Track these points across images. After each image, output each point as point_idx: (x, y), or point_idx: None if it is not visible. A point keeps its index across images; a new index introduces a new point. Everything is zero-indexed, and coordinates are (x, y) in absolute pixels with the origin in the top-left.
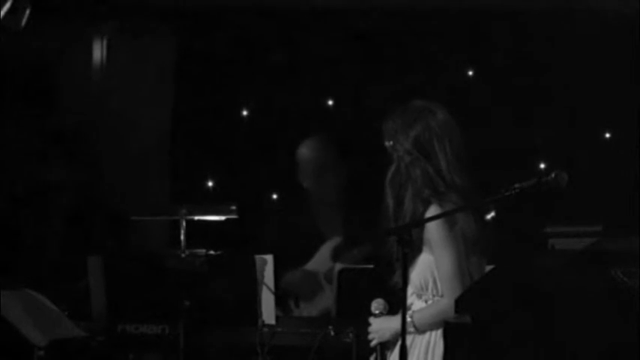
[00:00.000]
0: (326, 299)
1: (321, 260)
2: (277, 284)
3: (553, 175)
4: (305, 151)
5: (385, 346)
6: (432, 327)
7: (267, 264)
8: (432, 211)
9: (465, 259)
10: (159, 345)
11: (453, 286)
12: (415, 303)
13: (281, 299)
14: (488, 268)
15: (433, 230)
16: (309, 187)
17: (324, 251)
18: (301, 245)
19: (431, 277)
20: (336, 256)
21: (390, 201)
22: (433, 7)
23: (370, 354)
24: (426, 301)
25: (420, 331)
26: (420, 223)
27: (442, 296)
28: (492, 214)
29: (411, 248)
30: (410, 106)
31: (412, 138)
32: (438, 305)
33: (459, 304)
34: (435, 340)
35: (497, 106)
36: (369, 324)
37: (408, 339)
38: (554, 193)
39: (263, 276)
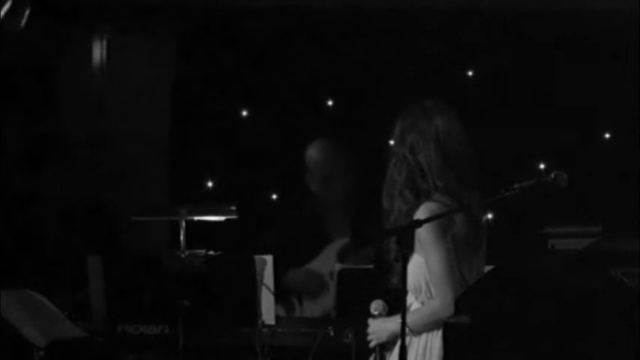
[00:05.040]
0: (330, 299)
1: (326, 260)
2: (277, 284)
3: (553, 175)
4: (314, 154)
5: (384, 347)
6: (425, 328)
7: (266, 264)
8: (422, 210)
9: (455, 261)
10: (159, 345)
11: (443, 288)
12: (414, 304)
13: (284, 296)
14: (488, 268)
15: (423, 231)
16: (317, 190)
17: (330, 251)
18: (303, 244)
19: (424, 279)
20: (342, 257)
21: (385, 200)
22: (434, 7)
23: (369, 354)
24: (422, 303)
25: (413, 332)
26: (421, 223)
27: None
28: (490, 215)
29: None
30: (414, 106)
31: (408, 140)
32: (429, 306)
33: (459, 304)
34: (432, 341)
35: (498, 106)
36: (367, 325)
37: (406, 340)
38: (554, 193)
39: (263, 276)
